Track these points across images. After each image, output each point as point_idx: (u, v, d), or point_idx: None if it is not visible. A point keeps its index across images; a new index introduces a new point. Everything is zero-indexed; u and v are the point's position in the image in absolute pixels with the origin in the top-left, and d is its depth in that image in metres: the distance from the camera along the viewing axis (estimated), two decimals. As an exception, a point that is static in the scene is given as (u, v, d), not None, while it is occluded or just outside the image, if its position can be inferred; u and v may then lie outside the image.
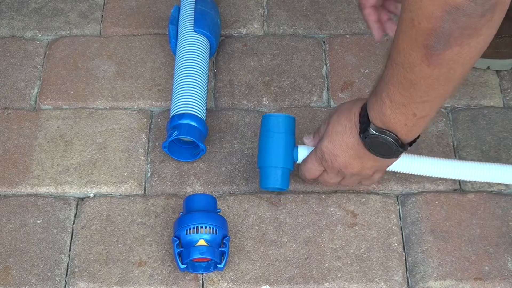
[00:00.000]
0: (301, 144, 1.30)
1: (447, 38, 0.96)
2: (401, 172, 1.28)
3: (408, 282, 1.27)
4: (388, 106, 1.09)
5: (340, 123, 1.19)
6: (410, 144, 1.16)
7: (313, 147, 1.27)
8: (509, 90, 1.51)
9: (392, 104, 1.09)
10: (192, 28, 1.48)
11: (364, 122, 1.15)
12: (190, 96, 1.40)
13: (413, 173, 1.28)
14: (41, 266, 1.28)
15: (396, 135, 1.13)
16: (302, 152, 1.29)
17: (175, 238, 1.24)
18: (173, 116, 1.38)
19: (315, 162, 1.25)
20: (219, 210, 1.30)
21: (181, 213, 1.28)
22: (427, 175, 1.28)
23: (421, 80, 1.04)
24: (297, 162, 1.30)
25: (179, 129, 1.36)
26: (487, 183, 1.37)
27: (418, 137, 1.16)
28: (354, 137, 1.17)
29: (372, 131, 1.13)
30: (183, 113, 1.37)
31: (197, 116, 1.38)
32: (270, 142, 1.29)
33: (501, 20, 0.97)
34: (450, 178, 1.31)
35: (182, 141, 1.40)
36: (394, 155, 1.17)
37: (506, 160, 1.40)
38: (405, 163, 1.26)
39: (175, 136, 1.35)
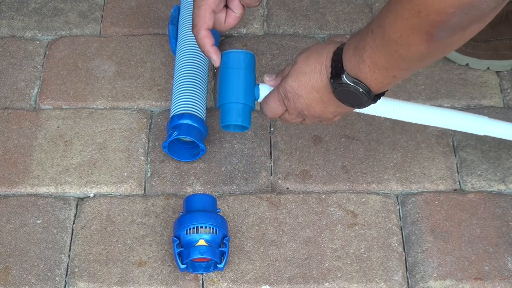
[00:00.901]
0: (262, 83, 1.24)
1: (454, 29, 0.95)
2: (366, 113, 1.23)
3: (408, 282, 1.27)
4: (367, 65, 1.06)
5: (309, 64, 1.14)
6: (379, 96, 1.13)
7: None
8: (509, 90, 1.51)
9: (373, 65, 1.06)
10: None
11: (337, 68, 1.10)
12: (190, 96, 1.40)
13: (378, 115, 1.23)
14: (41, 266, 1.28)
15: (368, 87, 1.10)
16: (264, 90, 1.23)
17: (175, 238, 1.24)
18: (173, 116, 1.38)
19: (277, 100, 1.19)
20: (219, 210, 1.29)
21: (181, 213, 1.28)
22: (392, 118, 1.23)
23: (414, 56, 1.02)
24: (258, 101, 1.24)
25: (179, 129, 1.36)
26: (487, 183, 1.37)
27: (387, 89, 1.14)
28: (322, 80, 1.13)
29: (345, 79, 1.09)
30: (183, 113, 1.37)
31: (197, 116, 1.38)
32: (229, 78, 1.23)
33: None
34: (416, 122, 1.25)
35: (182, 141, 1.40)
36: (363, 105, 1.14)
37: (506, 161, 1.40)
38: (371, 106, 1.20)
39: (175, 136, 1.35)
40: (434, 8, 0.93)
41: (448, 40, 0.98)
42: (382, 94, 1.14)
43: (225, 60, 1.24)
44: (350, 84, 1.09)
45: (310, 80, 1.14)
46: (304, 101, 1.16)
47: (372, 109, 1.22)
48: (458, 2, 0.91)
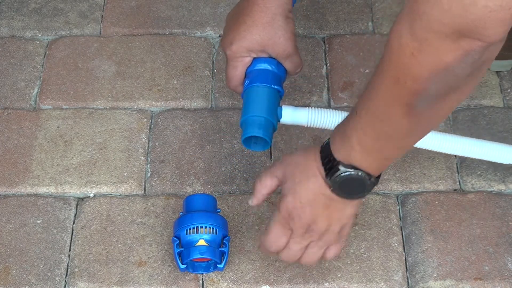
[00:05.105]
0: (285, 105, 1.23)
1: (432, 98, 0.94)
2: None
3: (408, 282, 1.27)
4: (358, 152, 1.04)
5: (301, 172, 1.11)
6: (379, 176, 1.10)
7: (298, 109, 1.21)
8: (509, 90, 1.51)
9: (363, 150, 1.04)
10: None
11: (330, 163, 1.07)
12: None
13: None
14: (41, 266, 1.28)
15: (366, 172, 1.07)
16: (287, 111, 1.21)
17: (175, 238, 1.24)
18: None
19: (280, 225, 1.14)
20: (219, 210, 1.29)
21: (181, 213, 1.28)
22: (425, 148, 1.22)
23: (398, 132, 1.01)
24: (280, 121, 1.23)
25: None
26: (487, 183, 1.37)
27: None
28: (319, 182, 1.09)
29: (343, 168, 1.06)
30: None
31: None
32: (254, 94, 1.22)
33: (485, 73, 0.95)
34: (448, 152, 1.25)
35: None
36: (367, 190, 1.10)
37: (506, 160, 1.40)
38: None
39: (248, 86, 1.24)
40: (411, 73, 0.91)
41: (428, 111, 0.97)
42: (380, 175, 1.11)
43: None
44: (350, 172, 1.06)
45: (308, 187, 1.10)
46: (309, 211, 1.11)
47: None
48: (434, 65, 0.90)
